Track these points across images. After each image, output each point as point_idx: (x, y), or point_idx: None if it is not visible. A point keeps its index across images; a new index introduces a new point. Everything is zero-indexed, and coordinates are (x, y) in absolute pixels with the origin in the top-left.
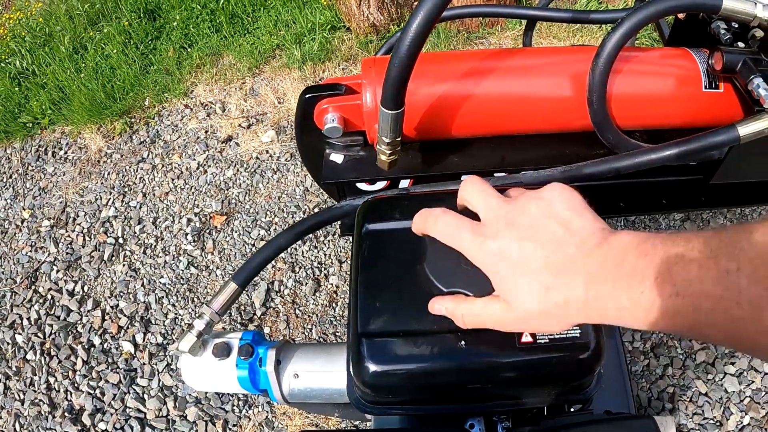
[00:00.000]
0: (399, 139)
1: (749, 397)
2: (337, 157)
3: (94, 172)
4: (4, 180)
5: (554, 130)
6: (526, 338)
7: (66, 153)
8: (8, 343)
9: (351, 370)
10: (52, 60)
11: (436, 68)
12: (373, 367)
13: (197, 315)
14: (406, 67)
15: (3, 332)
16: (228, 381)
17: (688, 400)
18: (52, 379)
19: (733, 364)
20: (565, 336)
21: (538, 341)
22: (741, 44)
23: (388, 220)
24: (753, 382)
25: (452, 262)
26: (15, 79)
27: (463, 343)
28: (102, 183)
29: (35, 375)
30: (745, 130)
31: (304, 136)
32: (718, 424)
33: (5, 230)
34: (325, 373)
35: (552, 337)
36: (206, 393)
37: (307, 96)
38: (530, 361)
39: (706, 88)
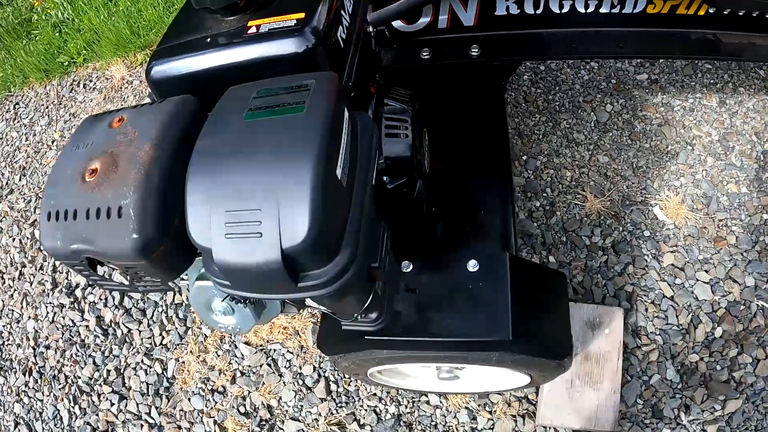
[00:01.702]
0: None
1: (724, 309)
2: None
3: (116, 97)
4: (42, 111)
5: None
6: None
7: (95, 83)
8: (28, 238)
9: None
10: (89, 8)
11: None
12: None
13: None
14: None
15: (26, 228)
16: None
17: (650, 302)
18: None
19: (707, 271)
20: None
21: None
22: None
23: None
24: (730, 293)
25: None
26: (56, 26)
27: None
28: (122, 104)
29: (45, 261)
30: None
31: None
32: (683, 331)
33: (38, 150)
34: None
35: None
36: None
37: None
38: None
39: None
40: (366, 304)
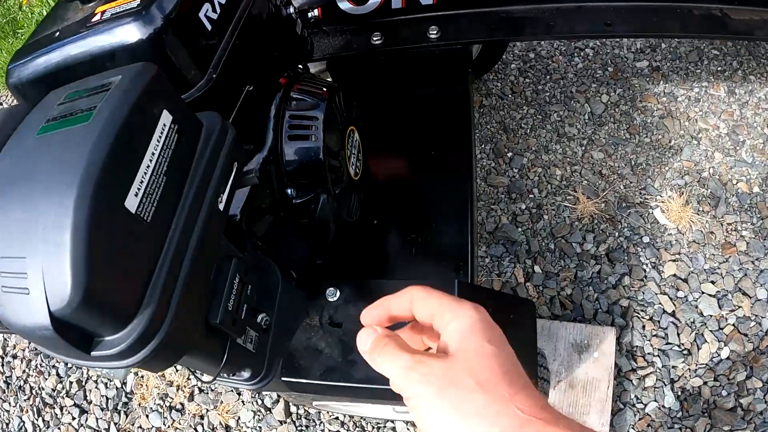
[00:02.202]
0: None
1: (732, 326)
2: None
3: None
4: None
5: None
6: None
7: None
8: None
9: None
10: None
11: None
12: None
13: None
14: None
15: None
16: None
17: (648, 318)
18: None
19: (713, 282)
20: None
21: None
22: None
23: None
24: (739, 307)
25: None
26: None
27: None
28: None
29: None
30: None
31: None
32: (685, 352)
33: None
34: None
35: None
36: None
37: None
38: None
39: None
40: (222, 365)
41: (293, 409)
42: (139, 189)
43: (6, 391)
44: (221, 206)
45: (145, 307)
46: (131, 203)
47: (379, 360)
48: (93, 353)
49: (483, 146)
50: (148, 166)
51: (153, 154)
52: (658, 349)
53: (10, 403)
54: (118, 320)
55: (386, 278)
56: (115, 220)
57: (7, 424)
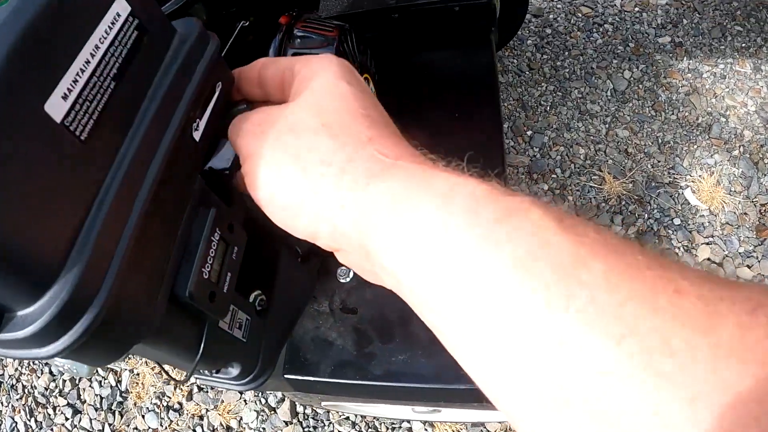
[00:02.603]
0: None
1: None
2: None
3: None
4: None
5: None
6: None
7: None
8: None
9: None
10: None
11: None
12: None
13: None
14: None
15: None
16: None
17: None
18: None
19: (749, 267)
20: None
21: None
22: None
23: None
24: None
25: None
26: None
27: None
28: None
29: None
30: None
31: None
32: None
33: None
34: None
35: None
36: None
37: None
38: None
39: None
40: (198, 357)
41: (300, 408)
42: (69, 91)
43: None
44: (197, 136)
45: (72, 266)
46: (56, 109)
47: (232, 132)
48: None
49: None
50: (87, 62)
51: (96, 48)
52: None
53: (2, 403)
54: (29, 285)
55: None
56: (27, 128)
57: (0, 425)
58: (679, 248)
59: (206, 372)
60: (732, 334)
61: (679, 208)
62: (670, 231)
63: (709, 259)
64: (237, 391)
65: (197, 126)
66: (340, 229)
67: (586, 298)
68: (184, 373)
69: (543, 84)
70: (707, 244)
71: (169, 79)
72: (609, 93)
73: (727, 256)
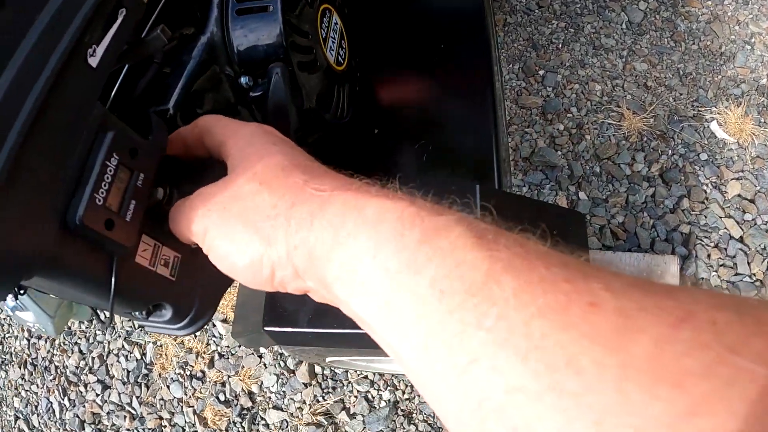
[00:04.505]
0: None
1: None
2: None
3: None
4: None
5: None
6: None
7: None
8: None
9: None
10: None
11: None
12: None
13: None
14: None
15: None
16: None
17: (713, 245)
18: None
19: None
20: None
21: None
22: None
23: None
24: None
25: None
26: None
27: None
28: None
29: None
30: None
31: None
32: (757, 283)
33: None
34: None
35: None
36: None
37: None
38: None
39: None
40: (111, 295)
41: (318, 369)
42: None
43: (33, 372)
44: (93, 62)
45: None
46: None
47: (175, 219)
48: None
49: (511, 66)
50: None
51: None
52: (727, 281)
53: (37, 385)
54: None
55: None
56: None
57: (36, 406)
58: (707, 185)
59: (138, 315)
60: (646, 350)
61: (705, 142)
62: (696, 167)
63: (739, 195)
64: (175, 336)
65: (94, 51)
66: (300, 269)
67: (496, 315)
68: (107, 314)
69: (554, 21)
70: (737, 179)
71: (60, 1)
72: (624, 26)
73: (759, 191)
